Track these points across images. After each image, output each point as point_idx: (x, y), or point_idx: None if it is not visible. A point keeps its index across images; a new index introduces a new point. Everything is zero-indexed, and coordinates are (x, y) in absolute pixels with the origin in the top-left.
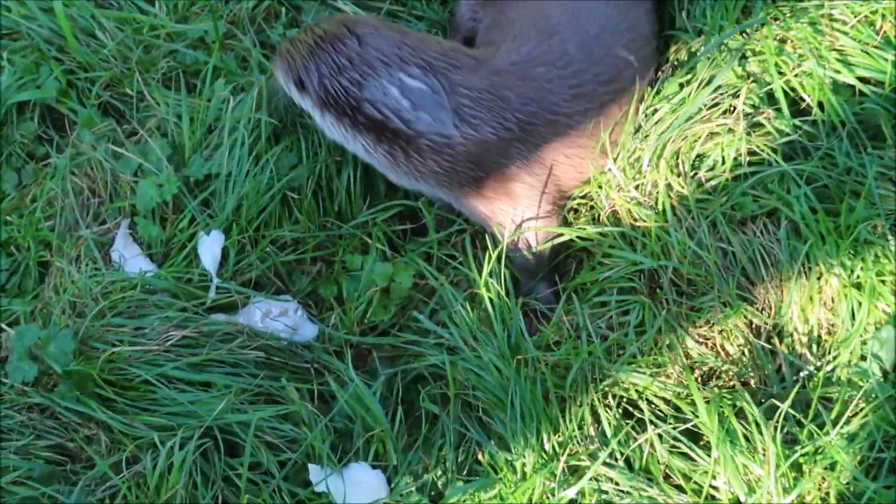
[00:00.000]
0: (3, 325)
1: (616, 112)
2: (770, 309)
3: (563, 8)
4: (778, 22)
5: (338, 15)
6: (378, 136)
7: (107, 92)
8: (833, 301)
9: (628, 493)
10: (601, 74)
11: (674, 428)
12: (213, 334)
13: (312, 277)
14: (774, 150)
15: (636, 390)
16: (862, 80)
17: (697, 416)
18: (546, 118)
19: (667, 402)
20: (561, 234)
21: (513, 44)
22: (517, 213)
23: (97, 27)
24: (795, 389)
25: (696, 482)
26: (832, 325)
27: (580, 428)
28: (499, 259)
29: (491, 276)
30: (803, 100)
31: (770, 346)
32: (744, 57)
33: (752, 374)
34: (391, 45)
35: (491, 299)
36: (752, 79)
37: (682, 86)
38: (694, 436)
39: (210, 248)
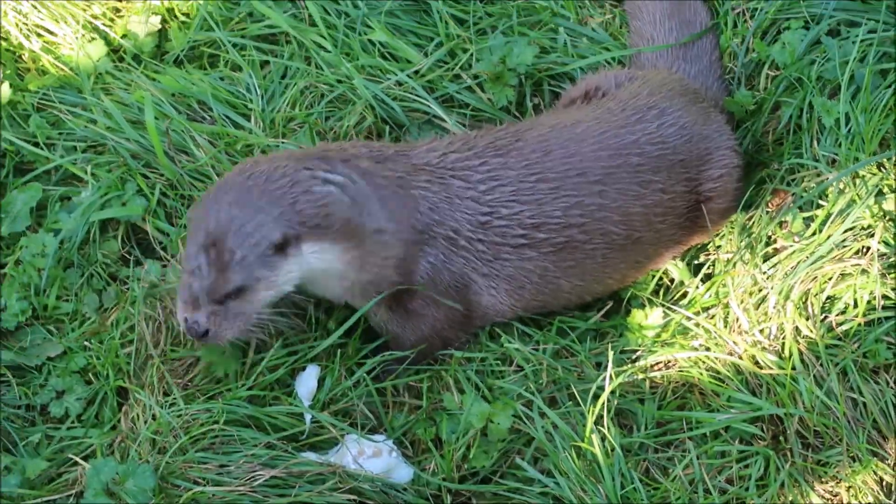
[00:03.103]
0: (79, 459)
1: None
2: None
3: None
4: None
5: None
6: (346, 244)
7: None
8: None
9: None
10: (549, 221)
11: None
12: (303, 474)
13: (408, 416)
14: None
15: None
16: None
17: None
18: (447, 235)
19: None
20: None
21: (443, 145)
22: (407, 326)
23: (189, 142)
24: None
25: None
26: None
27: None
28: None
29: (597, 426)
30: None
31: None
32: (880, 193)
33: None
34: (290, 165)
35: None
36: (888, 217)
37: (806, 220)
38: None
39: (306, 382)
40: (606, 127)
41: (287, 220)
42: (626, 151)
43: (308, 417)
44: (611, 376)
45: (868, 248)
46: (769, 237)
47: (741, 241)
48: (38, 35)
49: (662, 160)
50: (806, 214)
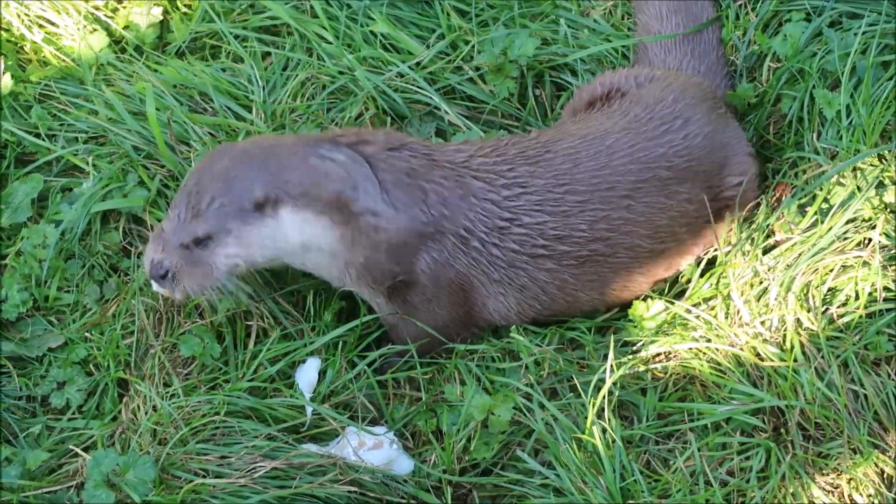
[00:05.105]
0: (79, 450)
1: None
2: None
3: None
4: None
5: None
6: (333, 218)
7: None
8: None
9: None
10: (572, 235)
11: None
12: (304, 466)
13: (409, 408)
14: None
15: None
16: None
17: None
18: (457, 233)
19: None
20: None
21: (473, 149)
22: (406, 319)
23: (191, 133)
24: None
25: None
26: None
27: None
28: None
29: (599, 417)
30: None
31: None
32: (881, 185)
33: None
34: (296, 140)
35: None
36: (889, 209)
37: (801, 208)
38: None
39: (307, 374)
40: (636, 139)
41: (273, 181)
42: (655, 165)
43: (309, 410)
44: (612, 367)
45: (869, 240)
46: (769, 229)
47: (742, 233)
48: (40, 26)
49: (688, 171)
50: (803, 201)
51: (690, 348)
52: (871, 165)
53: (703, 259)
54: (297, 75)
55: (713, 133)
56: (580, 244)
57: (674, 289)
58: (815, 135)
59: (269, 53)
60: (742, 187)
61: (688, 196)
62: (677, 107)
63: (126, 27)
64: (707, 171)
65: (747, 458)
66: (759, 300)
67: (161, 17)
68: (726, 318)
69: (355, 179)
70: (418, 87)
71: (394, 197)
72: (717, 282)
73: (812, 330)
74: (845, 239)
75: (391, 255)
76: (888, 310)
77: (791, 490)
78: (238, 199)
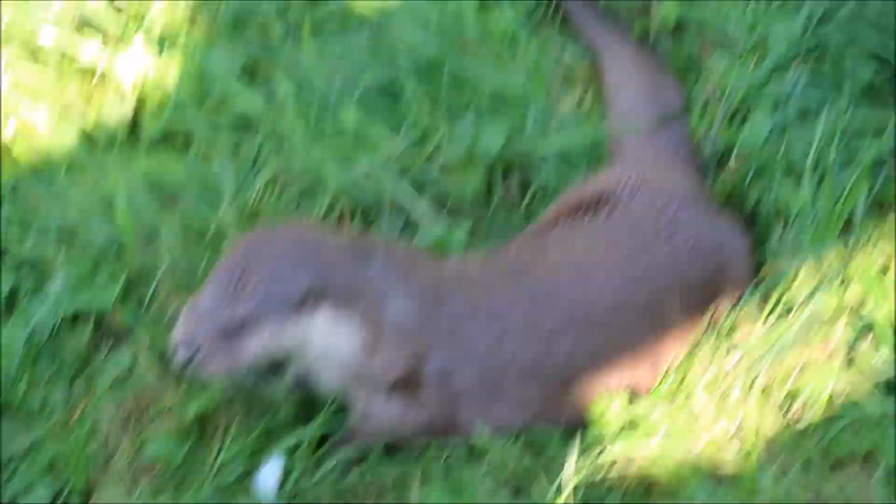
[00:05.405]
0: None
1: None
2: None
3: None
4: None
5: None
6: (364, 325)
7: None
8: None
9: None
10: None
11: None
12: None
13: None
14: (876, 387)
15: None
16: None
17: None
18: (458, 348)
19: None
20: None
21: (466, 268)
22: (400, 416)
23: (161, 230)
24: None
25: None
26: None
27: None
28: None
29: None
30: None
31: None
32: (843, 281)
33: None
34: (340, 239)
35: None
36: (850, 308)
37: (763, 304)
38: None
39: (267, 478)
40: (616, 261)
41: (321, 276)
42: (637, 288)
43: None
44: (574, 470)
45: (832, 338)
46: (732, 326)
47: (704, 329)
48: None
49: (674, 291)
50: (757, 292)
51: (651, 452)
52: (835, 261)
53: None
54: (267, 166)
55: (705, 238)
56: (561, 368)
57: None
58: (780, 229)
59: (239, 146)
60: (738, 286)
61: (678, 316)
62: (664, 217)
63: (97, 121)
64: (699, 279)
65: None
66: (720, 399)
67: (132, 111)
68: (687, 416)
69: (388, 290)
70: (387, 180)
71: (420, 310)
72: (682, 380)
73: (773, 430)
74: (808, 336)
75: (407, 359)
76: (850, 409)
77: None
78: (284, 290)
